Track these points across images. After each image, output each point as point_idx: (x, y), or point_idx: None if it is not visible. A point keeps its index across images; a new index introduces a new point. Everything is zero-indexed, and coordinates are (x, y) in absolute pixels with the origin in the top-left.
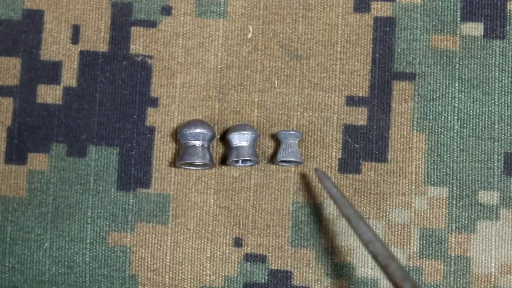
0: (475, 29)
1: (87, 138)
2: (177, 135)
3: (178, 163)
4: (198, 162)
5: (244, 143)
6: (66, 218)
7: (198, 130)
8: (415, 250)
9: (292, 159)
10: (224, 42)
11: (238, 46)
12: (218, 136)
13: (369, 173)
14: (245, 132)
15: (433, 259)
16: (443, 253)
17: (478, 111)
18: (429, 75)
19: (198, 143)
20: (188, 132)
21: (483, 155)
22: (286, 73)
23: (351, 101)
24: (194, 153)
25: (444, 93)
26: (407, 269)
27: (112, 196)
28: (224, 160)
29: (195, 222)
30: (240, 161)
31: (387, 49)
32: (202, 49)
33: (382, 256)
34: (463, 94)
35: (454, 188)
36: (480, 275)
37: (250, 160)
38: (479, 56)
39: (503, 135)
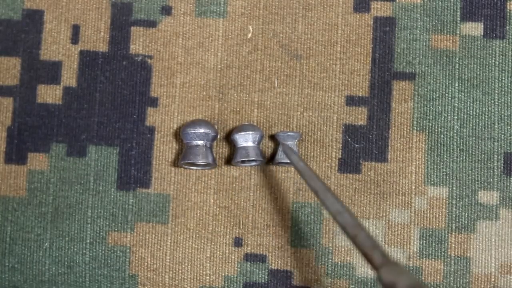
0: (475, 29)
1: (87, 138)
2: (177, 135)
3: (181, 162)
4: (201, 162)
5: (251, 143)
6: (66, 218)
7: (202, 130)
8: (415, 250)
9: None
10: (224, 42)
11: (238, 46)
12: (219, 136)
13: (369, 173)
14: (252, 132)
15: (433, 259)
16: (443, 253)
17: (478, 111)
18: (429, 75)
19: (201, 142)
20: (193, 131)
21: (483, 155)
22: (286, 73)
23: (351, 101)
24: (198, 153)
25: (444, 93)
26: (407, 269)
27: (112, 196)
28: (226, 160)
29: (195, 222)
30: (246, 161)
31: (387, 49)
32: (202, 49)
33: (350, 227)
34: (463, 94)
35: (454, 188)
36: (480, 275)
37: (255, 160)
38: (479, 56)
39: (503, 135)
